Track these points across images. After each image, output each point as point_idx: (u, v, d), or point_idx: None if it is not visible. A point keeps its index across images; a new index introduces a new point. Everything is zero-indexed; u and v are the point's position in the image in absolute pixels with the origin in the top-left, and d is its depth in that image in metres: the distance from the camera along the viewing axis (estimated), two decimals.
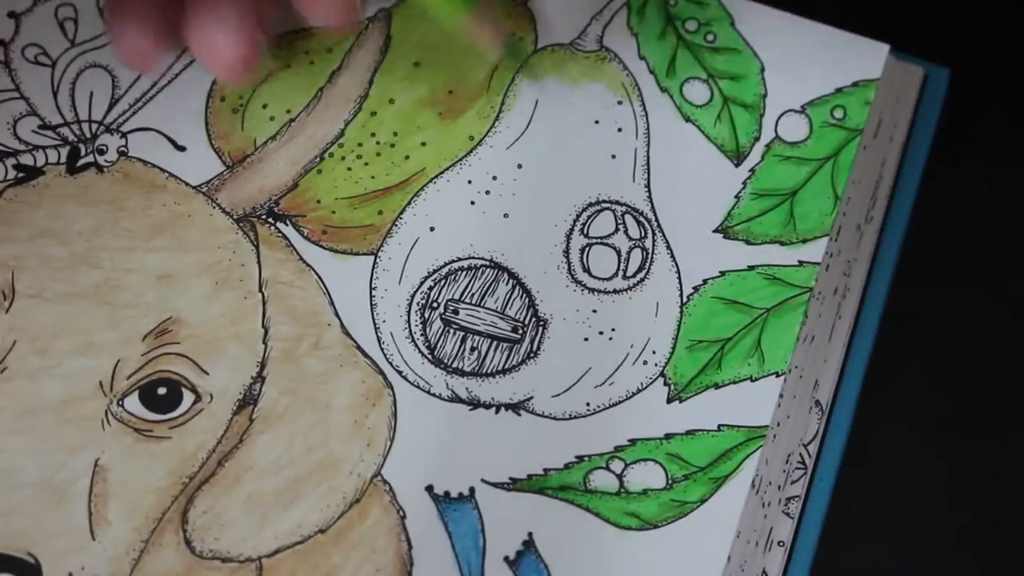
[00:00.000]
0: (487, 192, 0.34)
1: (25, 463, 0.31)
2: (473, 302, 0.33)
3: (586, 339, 0.33)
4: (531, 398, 0.33)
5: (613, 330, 0.33)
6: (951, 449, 0.38)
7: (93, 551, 0.31)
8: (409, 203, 0.34)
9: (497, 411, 0.33)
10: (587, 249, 0.34)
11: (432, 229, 0.34)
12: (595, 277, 0.34)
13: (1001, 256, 0.39)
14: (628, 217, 0.34)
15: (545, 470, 0.32)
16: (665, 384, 0.33)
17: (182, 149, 0.34)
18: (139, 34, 0.32)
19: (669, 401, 0.33)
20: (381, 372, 0.33)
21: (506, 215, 0.34)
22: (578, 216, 0.34)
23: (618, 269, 0.34)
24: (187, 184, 0.34)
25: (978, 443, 0.38)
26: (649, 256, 0.34)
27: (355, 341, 0.33)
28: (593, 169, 0.34)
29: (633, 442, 0.33)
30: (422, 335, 0.33)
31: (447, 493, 0.32)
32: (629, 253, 0.34)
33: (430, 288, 0.33)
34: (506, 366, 0.33)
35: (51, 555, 0.31)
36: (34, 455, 0.31)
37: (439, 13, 0.32)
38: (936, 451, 0.38)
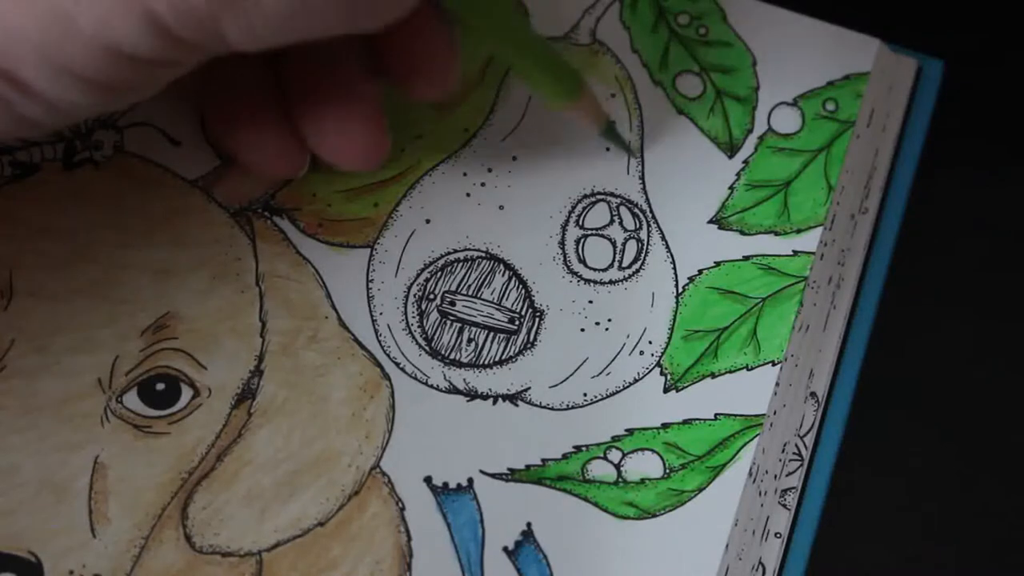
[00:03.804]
0: (482, 184, 0.34)
1: (25, 462, 0.31)
2: (470, 293, 0.33)
3: (583, 330, 0.33)
4: (528, 389, 0.33)
5: (609, 320, 0.33)
6: (949, 441, 0.38)
7: (94, 548, 0.31)
8: (405, 195, 0.34)
9: (495, 402, 0.33)
10: (583, 240, 0.34)
11: (428, 221, 0.34)
12: (591, 268, 0.34)
13: (996, 248, 0.39)
14: (623, 208, 0.34)
15: (543, 460, 0.32)
16: (662, 374, 0.33)
17: (177, 144, 0.34)
18: (278, 141, 0.32)
19: (666, 391, 0.33)
20: (379, 364, 0.33)
21: (502, 207, 0.34)
22: (573, 208, 0.34)
23: (613, 260, 0.34)
24: (183, 179, 0.34)
25: (977, 435, 0.38)
26: (644, 247, 0.34)
27: (352, 333, 0.33)
28: (587, 161, 0.35)
29: (630, 432, 0.33)
30: (419, 327, 0.33)
31: (446, 484, 0.32)
32: (624, 244, 0.34)
33: (427, 280, 0.34)
34: (503, 357, 0.33)
35: (52, 553, 0.31)
36: (34, 454, 0.31)
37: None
38: (934, 443, 0.38)
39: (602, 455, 0.33)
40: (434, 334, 0.33)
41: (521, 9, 0.35)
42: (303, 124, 0.31)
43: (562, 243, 0.34)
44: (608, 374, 0.33)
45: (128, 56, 0.24)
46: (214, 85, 0.32)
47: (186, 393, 0.32)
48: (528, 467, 0.32)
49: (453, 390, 0.33)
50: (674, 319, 0.34)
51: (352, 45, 0.31)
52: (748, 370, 0.33)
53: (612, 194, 0.34)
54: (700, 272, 0.34)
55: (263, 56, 0.31)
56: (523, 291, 0.34)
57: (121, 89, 0.25)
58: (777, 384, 0.33)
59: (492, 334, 0.33)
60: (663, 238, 0.34)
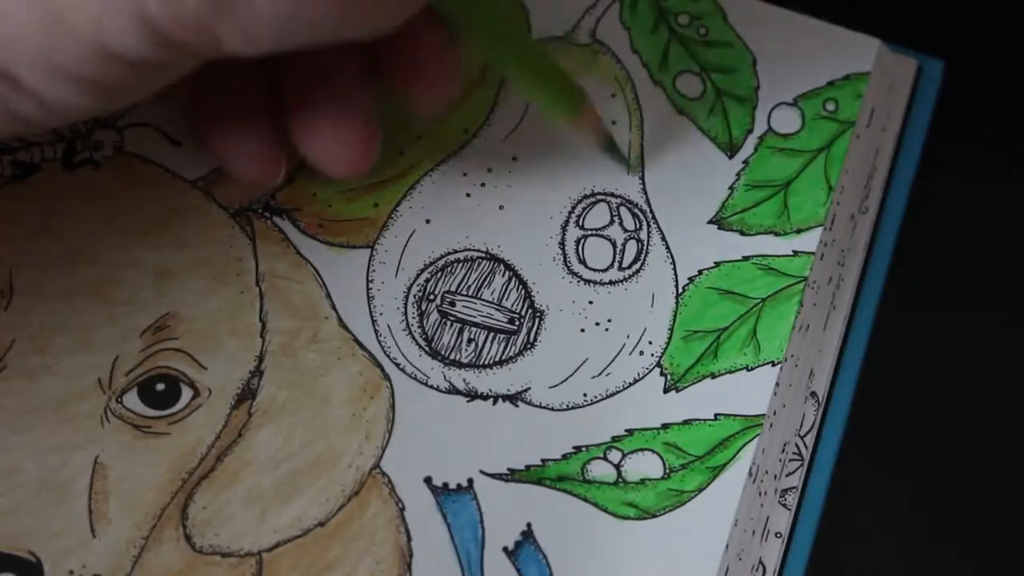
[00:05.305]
0: (483, 184, 0.34)
1: (25, 462, 0.31)
2: (469, 294, 0.33)
3: (583, 330, 0.33)
4: (528, 389, 0.33)
5: (609, 321, 0.33)
6: (949, 441, 0.38)
7: (94, 549, 0.31)
8: (405, 196, 0.34)
9: (495, 402, 0.33)
10: (583, 240, 0.34)
11: (428, 221, 0.34)
12: (591, 268, 0.34)
13: (996, 248, 0.39)
14: (623, 209, 0.34)
15: (543, 461, 0.32)
16: (662, 374, 0.33)
17: (178, 144, 0.34)
18: (258, 147, 0.32)
19: (666, 391, 0.33)
20: (379, 364, 0.33)
21: (502, 207, 0.34)
22: (573, 208, 0.34)
23: (613, 260, 0.34)
24: (183, 179, 0.34)
25: (977, 435, 0.38)
26: (644, 247, 0.34)
27: (352, 334, 0.33)
28: (588, 161, 0.34)
29: (630, 432, 0.33)
30: (419, 327, 0.33)
31: (446, 484, 0.32)
32: (624, 244, 0.34)
33: (427, 280, 0.34)
34: (503, 357, 0.33)
35: (52, 553, 0.31)
36: (34, 454, 0.31)
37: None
38: (934, 443, 0.38)
39: (602, 455, 0.33)
40: (434, 334, 0.33)
41: (521, 10, 0.35)
42: (295, 128, 0.31)
43: (562, 243, 0.34)
44: (608, 374, 0.33)
45: (122, 57, 0.24)
46: (205, 86, 0.32)
47: (186, 393, 0.32)
48: (528, 467, 0.32)
49: (453, 390, 0.33)
50: (674, 319, 0.34)
51: (351, 51, 0.31)
52: (748, 370, 0.33)
53: (612, 194, 0.34)
54: (700, 272, 0.34)
55: (260, 61, 0.31)
56: (523, 291, 0.34)
57: (115, 91, 0.25)
58: (777, 384, 0.33)
59: (492, 334, 0.33)
60: (663, 238, 0.34)
